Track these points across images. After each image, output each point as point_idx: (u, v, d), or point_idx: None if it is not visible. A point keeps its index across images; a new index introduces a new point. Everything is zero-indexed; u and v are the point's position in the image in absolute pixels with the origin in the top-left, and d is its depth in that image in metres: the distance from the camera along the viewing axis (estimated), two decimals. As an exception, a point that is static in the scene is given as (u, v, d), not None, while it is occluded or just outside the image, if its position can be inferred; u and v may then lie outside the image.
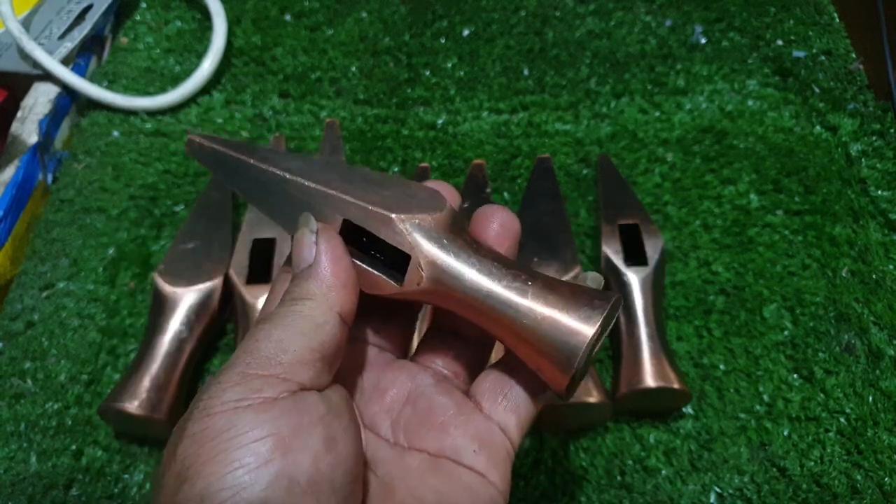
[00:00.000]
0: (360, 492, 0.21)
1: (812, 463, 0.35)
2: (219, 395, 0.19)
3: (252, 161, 0.25)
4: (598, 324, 0.21)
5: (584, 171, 0.47)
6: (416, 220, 0.22)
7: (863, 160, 0.46)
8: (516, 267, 0.23)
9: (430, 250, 0.22)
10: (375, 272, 0.23)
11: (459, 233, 0.23)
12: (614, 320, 0.23)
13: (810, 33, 0.54)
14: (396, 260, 0.23)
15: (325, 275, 0.22)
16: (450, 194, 0.25)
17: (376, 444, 0.23)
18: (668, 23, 0.55)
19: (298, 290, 0.22)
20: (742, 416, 0.37)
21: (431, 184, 0.25)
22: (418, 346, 0.26)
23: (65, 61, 0.50)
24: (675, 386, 0.34)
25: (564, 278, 0.38)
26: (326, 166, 0.25)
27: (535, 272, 0.23)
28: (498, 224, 0.24)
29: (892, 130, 0.48)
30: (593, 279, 0.24)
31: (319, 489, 0.19)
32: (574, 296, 0.22)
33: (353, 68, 0.53)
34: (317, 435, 0.20)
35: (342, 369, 0.23)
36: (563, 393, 0.22)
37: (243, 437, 0.19)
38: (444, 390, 0.24)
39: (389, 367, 0.25)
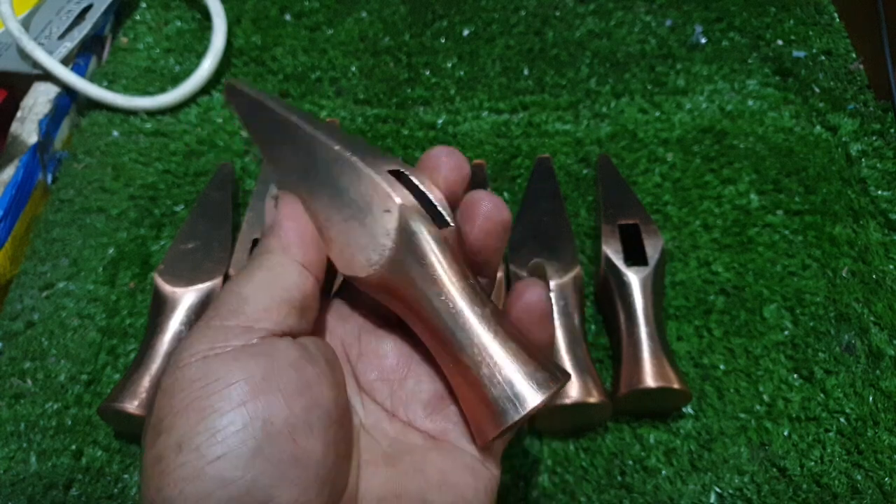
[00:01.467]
0: (347, 443, 0.21)
1: (812, 463, 0.35)
2: (187, 347, 0.20)
3: (286, 115, 0.25)
4: (545, 398, 0.20)
5: (584, 171, 0.47)
6: (419, 218, 0.22)
7: (863, 160, 0.46)
8: (492, 303, 0.22)
9: (402, 241, 0.22)
10: (348, 244, 0.23)
11: (451, 245, 0.22)
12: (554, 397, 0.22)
13: (810, 33, 0.54)
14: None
15: (283, 231, 0.23)
16: (457, 162, 0.24)
17: (378, 414, 0.24)
18: (668, 23, 0.55)
19: (260, 248, 0.23)
20: (742, 416, 0.37)
21: (440, 150, 0.24)
22: None
23: (65, 61, 0.50)
24: (675, 386, 0.34)
25: (564, 278, 0.38)
26: (353, 140, 0.25)
27: (505, 315, 0.22)
28: (482, 217, 0.23)
29: (892, 130, 0.48)
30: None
31: (296, 430, 0.19)
32: (534, 358, 0.21)
33: (353, 68, 0.53)
34: (287, 377, 0.20)
35: (335, 329, 0.24)
36: (481, 445, 0.22)
37: (214, 385, 0.19)
38: None
39: (390, 334, 0.25)
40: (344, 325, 0.25)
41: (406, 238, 0.22)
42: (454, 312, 0.21)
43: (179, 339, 0.36)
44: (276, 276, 0.22)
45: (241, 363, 0.19)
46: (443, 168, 0.24)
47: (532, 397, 0.20)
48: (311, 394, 0.20)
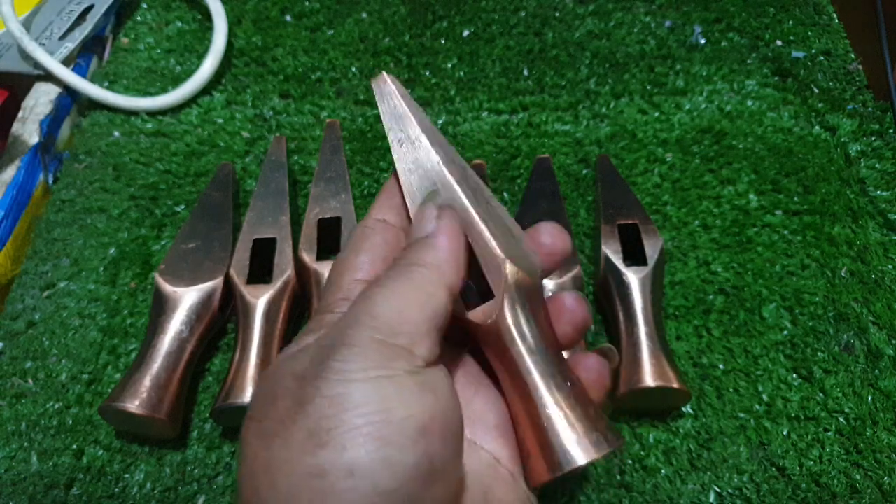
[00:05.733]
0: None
1: (811, 462, 0.35)
2: (354, 359, 0.19)
3: (419, 135, 0.26)
4: (599, 455, 0.23)
5: (584, 172, 0.47)
6: (518, 275, 0.24)
7: (862, 160, 0.47)
8: (565, 362, 0.25)
9: (512, 305, 0.24)
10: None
11: (538, 301, 0.25)
12: (611, 455, 0.26)
13: (809, 34, 0.54)
14: (475, 286, 0.25)
15: (442, 246, 0.23)
16: (561, 239, 0.26)
17: None
18: (668, 23, 0.55)
19: (414, 255, 0.22)
20: (741, 415, 0.37)
21: (546, 227, 0.26)
22: None
23: (66, 62, 0.50)
24: (675, 385, 0.34)
25: (564, 278, 0.38)
26: (465, 172, 0.27)
27: (575, 377, 0.25)
28: (568, 314, 0.26)
29: (890, 131, 0.48)
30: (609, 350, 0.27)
31: (447, 475, 0.20)
32: (595, 420, 0.23)
33: (354, 69, 0.53)
34: (446, 419, 0.20)
35: None
36: (534, 485, 0.24)
37: (391, 414, 0.19)
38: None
39: (459, 354, 0.27)
40: None
41: (513, 299, 0.24)
42: (538, 370, 0.24)
43: (180, 339, 0.36)
44: (429, 299, 0.21)
45: (413, 395, 0.19)
46: (545, 238, 0.26)
47: (581, 457, 0.23)
48: (455, 433, 0.21)
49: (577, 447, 0.23)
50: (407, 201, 0.26)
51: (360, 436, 0.18)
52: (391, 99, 0.27)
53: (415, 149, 0.26)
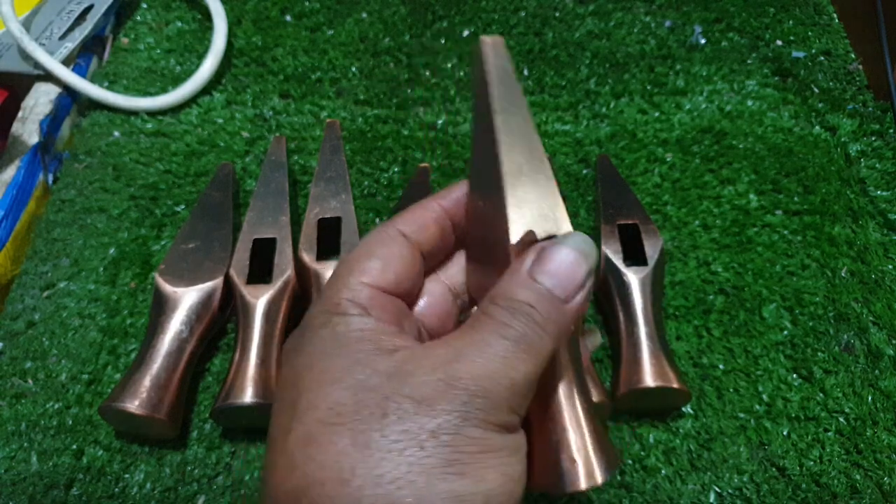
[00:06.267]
0: None
1: (811, 462, 0.35)
2: (483, 412, 0.20)
3: (496, 118, 0.23)
4: (600, 480, 0.23)
5: (584, 171, 0.47)
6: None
7: (862, 160, 0.47)
8: (588, 390, 0.24)
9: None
10: None
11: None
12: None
13: (809, 34, 0.54)
14: None
15: (575, 318, 0.22)
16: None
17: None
18: (668, 23, 0.55)
19: (545, 314, 0.21)
20: (741, 415, 0.37)
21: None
22: None
23: (66, 62, 0.50)
24: (675, 385, 0.34)
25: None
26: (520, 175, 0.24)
27: (591, 398, 0.24)
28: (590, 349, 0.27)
29: (891, 131, 0.48)
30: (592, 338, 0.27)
31: None
32: (602, 444, 0.23)
33: (354, 69, 0.53)
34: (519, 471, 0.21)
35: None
36: (533, 489, 0.24)
37: (496, 455, 0.20)
38: None
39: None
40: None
41: None
42: (562, 388, 0.23)
43: (180, 339, 0.36)
44: (537, 369, 0.21)
45: (512, 442, 0.21)
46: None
47: (581, 483, 0.23)
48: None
49: (587, 471, 0.23)
50: (505, 181, 0.22)
51: (482, 469, 0.20)
52: (503, 64, 0.24)
53: (523, 122, 0.23)
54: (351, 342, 0.21)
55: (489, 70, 0.24)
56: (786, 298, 0.41)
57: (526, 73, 0.52)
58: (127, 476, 0.36)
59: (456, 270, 0.27)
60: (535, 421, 0.23)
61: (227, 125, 0.49)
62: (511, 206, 0.22)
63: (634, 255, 0.39)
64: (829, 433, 0.36)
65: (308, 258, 0.39)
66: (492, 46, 0.24)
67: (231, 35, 0.54)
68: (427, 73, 0.53)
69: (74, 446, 0.36)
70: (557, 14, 0.56)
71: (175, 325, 0.37)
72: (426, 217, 0.25)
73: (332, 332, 0.22)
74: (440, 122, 0.50)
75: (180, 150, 0.48)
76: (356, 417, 0.19)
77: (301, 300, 0.39)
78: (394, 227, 0.25)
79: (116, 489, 0.35)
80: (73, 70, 0.50)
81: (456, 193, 0.26)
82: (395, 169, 0.47)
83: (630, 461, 0.36)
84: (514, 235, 0.22)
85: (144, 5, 0.57)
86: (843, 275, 0.42)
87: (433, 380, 0.19)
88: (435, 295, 0.26)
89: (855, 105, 0.50)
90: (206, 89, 0.51)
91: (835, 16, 0.56)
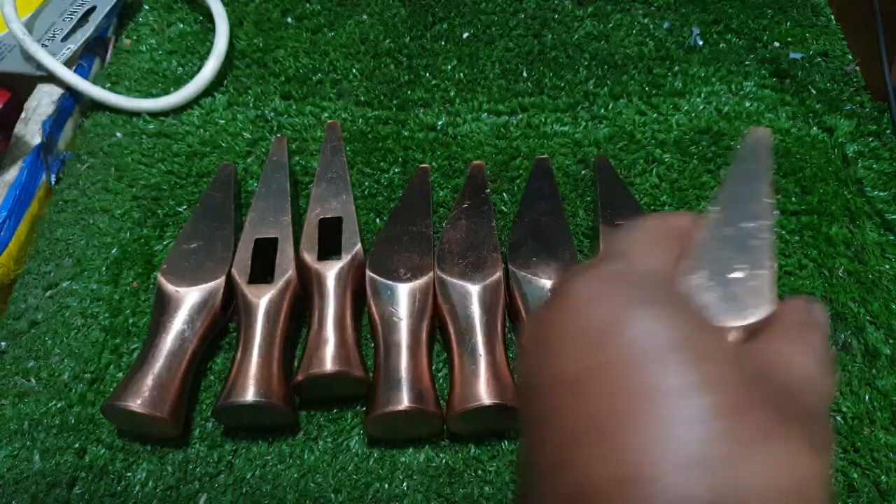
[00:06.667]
0: None
1: (808, 460, 0.36)
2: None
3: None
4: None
5: (583, 172, 0.47)
6: None
7: (859, 161, 0.47)
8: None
9: None
10: None
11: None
12: None
13: (807, 35, 0.54)
14: None
15: None
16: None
17: None
18: (666, 25, 0.55)
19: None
20: (739, 414, 0.37)
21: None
22: None
23: (68, 63, 0.50)
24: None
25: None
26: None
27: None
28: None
29: (888, 131, 0.48)
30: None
31: None
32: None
33: (354, 70, 0.53)
34: None
35: None
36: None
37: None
38: None
39: None
40: None
41: None
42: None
43: (182, 338, 0.37)
44: None
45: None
46: None
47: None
48: None
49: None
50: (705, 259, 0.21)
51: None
52: (763, 156, 0.22)
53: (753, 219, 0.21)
54: None
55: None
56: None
57: (525, 74, 0.53)
58: (129, 474, 0.36)
59: None
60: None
61: (228, 126, 0.50)
62: None
63: (633, 255, 0.39)
64: (827, 431, 0.36)
65: (309, 258, 0.39)
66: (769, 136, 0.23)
67: (233, 37, 0.54)
68: (427, 75, 0.53)
69: (77, 445, 0.37)
70: (556, 16, 0.57)
71: (177, 324, 0.37)
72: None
73: None
74: (440, 123, 0.50)
75: (182, 150, 0.48)
76: None
77: (302, 300, 0.39)
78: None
79: (119, 487, 0.35)
80: (76, 71, 0.50)
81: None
82: (396, 169, 0.47)
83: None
84: None
85: (146, 7, 0.57)
86: (840, 274, 0.42)
87: None
88: None
89: (852, 106, 0.50)
90: (208, 90, 0.51)
91: (832, 17, 0.56)
